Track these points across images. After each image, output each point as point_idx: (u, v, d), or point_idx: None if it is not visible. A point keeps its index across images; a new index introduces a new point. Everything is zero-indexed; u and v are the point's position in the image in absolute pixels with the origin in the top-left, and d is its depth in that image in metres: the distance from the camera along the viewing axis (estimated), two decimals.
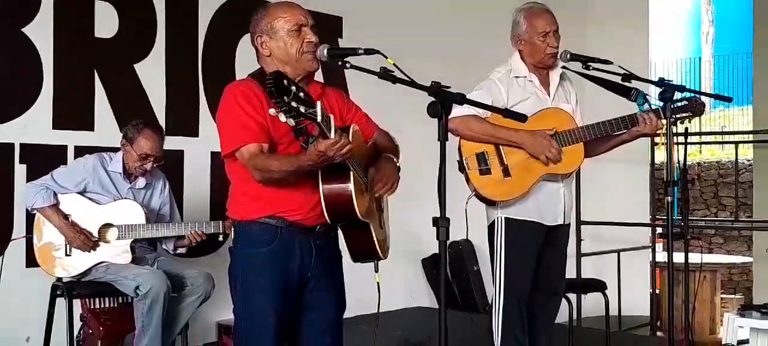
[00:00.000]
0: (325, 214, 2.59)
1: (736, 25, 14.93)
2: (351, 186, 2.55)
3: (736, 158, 8.76)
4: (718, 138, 11.56)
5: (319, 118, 2.27)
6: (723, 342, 5.43)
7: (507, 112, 2.76)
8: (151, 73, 5.00)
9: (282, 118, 2.19)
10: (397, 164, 2.93)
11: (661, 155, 7.70)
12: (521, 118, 2.68)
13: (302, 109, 2.21)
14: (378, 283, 2.80)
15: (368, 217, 2.68)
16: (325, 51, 2.64)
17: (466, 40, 6.60)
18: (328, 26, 5.92)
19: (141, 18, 5.00)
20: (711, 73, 17.36)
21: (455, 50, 6.49)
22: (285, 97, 2.16)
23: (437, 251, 7.16)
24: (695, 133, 10.19)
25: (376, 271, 2.83)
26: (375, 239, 2.72)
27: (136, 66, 4.96)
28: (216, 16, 5.30)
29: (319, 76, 5.19)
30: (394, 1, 6.42)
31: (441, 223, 2.34)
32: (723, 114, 15.42)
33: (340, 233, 2.80)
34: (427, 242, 5.70)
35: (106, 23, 4.83)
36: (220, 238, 4.22)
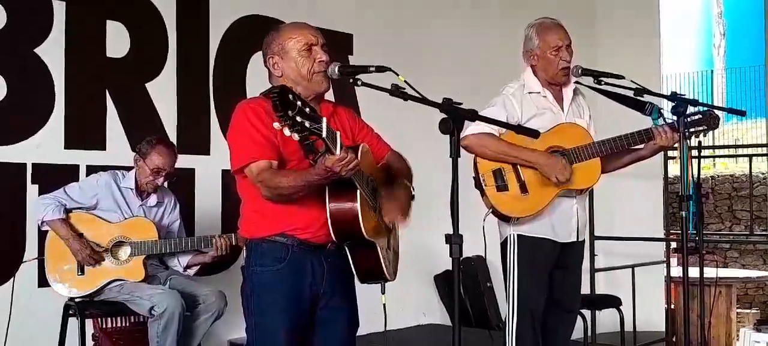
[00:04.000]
0: (331, 232, 2.58)
1: (748, 38, 14.87)
2: (357, 205, 2.54)
3: (750, 171, 8.70)
4: (732, 151, 11.48)
5: (324, 133, 2.26)
6: None
7: (519, 129, 2.75)
8: (163, 92, 5.00)
9: (286, 132, 2.19)
10: (412, 192, 2.92)
11: (674, 169, 7.68)
12: (534, 134, 2.66)
13: (307, 123, 2.20)
14: (384, 305, 2.78)
15: (375, 236, 2.67)
16: (337, 69, 2.64)
17: (479, 56, 6.58)
18: (338, 44, 5.92)
19: (152, 37, 5.01)
20: (723, 86, 17.28)
21: (467, 66, 6.49)
22: (289, 112, 2.15)
23: (450, 268, 7.14)
24: (708, 147, 10.14)
25: (383, 292, 2.81)
26: (382, 259, 2.70)
27: (148, 85, 4.96)
28: (227, 34, 5.31)
29: (330, 95, 5.22)
30: (405, 18, 6.42)
31: (454, 240, 2.32)
32: (736, 127, 15.32)
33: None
34: (440, 259, 5.68)
35: (117, 43, 4.84)
36: (233, 243, 4.20)
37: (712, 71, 17.19)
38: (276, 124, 2.21)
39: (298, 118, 2.18)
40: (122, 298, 4.06)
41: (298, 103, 2.19)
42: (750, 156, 8.96)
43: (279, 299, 2.67)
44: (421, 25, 6.51)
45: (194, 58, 5.18)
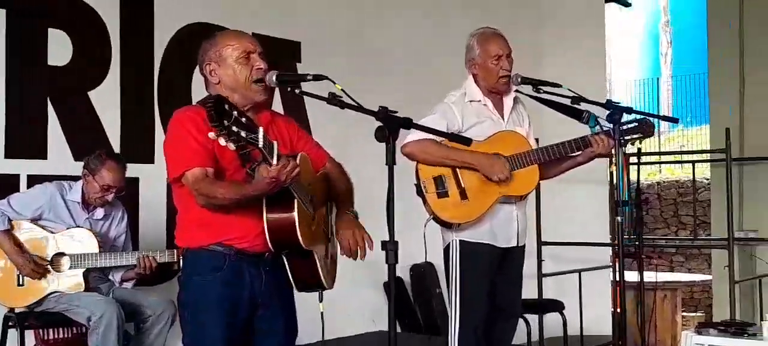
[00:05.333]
0: (269, 241, 2.58)
1: (694, 46, 15.19)
2: (295, 214, 2.54)
3: (694, 177, 8.89)
4: (677, 157, 11.72)
5: (260, 143, 2.26)
6: None
7: (452, 137, 2.79)
8: (106, 100, 4.94)
9: (222, 142, 2.19)
10: (354, 212, 2.91)
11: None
12: (465, 141, 2.71)
13: (243, 133, 2.20)
14: (322, 313, 2.78)
15: (313, 245, 2.67)
16: (275, 77, 2.65)
17: (425, 63, 6.63)
18: (286, 52, 5.92)
19: (95, 45, 4.95)
20: (670, 94, 17.62)
21: (414, 73, 6.53)
22: (225, 122, 2.16)
23: (399, 275, 7.18)
24: (649, 153, 10.32)
25: (321, 300, 2.81)
26: (319, 267, 2.71)
27: (91, 93, 4.90)
28: (172, 42, 5.27)
29: (278, 103, 5.20)
30: (354, 25, 6.44)
31: (389, 246, 2.35)
32: (682, 134, 15.66)
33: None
34: (386, 266, 5.70)
35: (59, 50, 4.78)
36: (176, 266, 4.17)
37: (657, 79, 17.52)
38: (211, 135, 2.21)
39: (234, 128, 2.19)
40: (61, 308, 4.01)
41: (234, 113, 2.20)
42: (693, 162, 9.15)
43: (216, 308, 2.66)
44: (369, 32, 6.54)
45: (138, 66, 5.14)
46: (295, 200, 2.55)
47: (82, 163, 4.24)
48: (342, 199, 2.92)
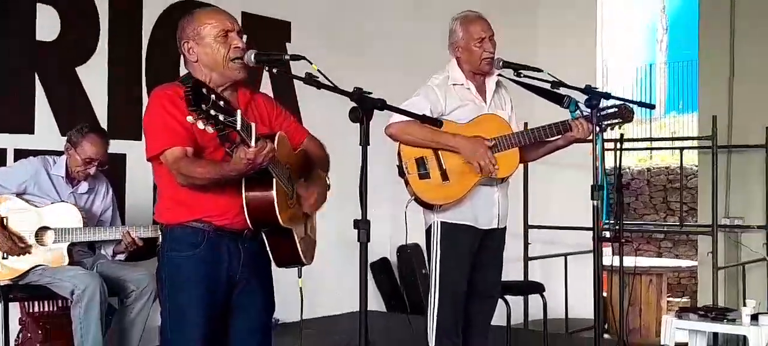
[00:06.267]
0: (248, 220, 2.61)
1: (689, 33, 15.19)
2: (273, 193, 2.57)
3: (681, 164, 8.93)
4: (659, 144, 11.76)
5: (238, 126, 2.29)
6: (661, 343, 5.53)
7: (424, 118, 2.83)
8: (94, 76, 4.98)
9: (200, 125, 2.22)
10: (328, 180, 2.97)
11: (608, 160, 7.86)
12: (436, 123, 2.74)
13: (221, 117, 2.23)
14: (301, 288, 2.83)
15: (291, 223, 2.71)
16: (253, 56, 2.66)
17: (419, 44, 6.64)
18: (276, 31, 5.94)
19: (83, 21, 4.98)
20: (665, 80, 17.61)
21: (406, 53, 6.56)
22: (203, 105, 2.18)
23: (386, 256, 7.24)
24: (636, 139, 10.34)
25: (300, 276, 2.85)
26: (298, 245, 2.75)
27: (78, 69, 4.94)
28: (160, 19, 5.30)
29: (266, 82, 5.20)
30: (344, 7, 6.45)
31: (361, 225, 2.39)
32: (675, 120, 15.67)
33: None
34: (375, 246, 5.75)
35: (47, 26, 4.81)
36: (159, 242, 4.20)
37: (651, 65, 17.53)
38: (189, 118, 2.24)
39: (212, 112, 2.22)
40: (45, 281, 4.04)
41: (212, 96, 2.22)
42: (681, 149, 9.19)
43: (194, 284, 2.68)
44: (360, 12, 6.56)
45: (126, 43, 5.16)
46: (274, 179, 2.58)
47: None
48: (317, 165, 2.96)
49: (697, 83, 8.82)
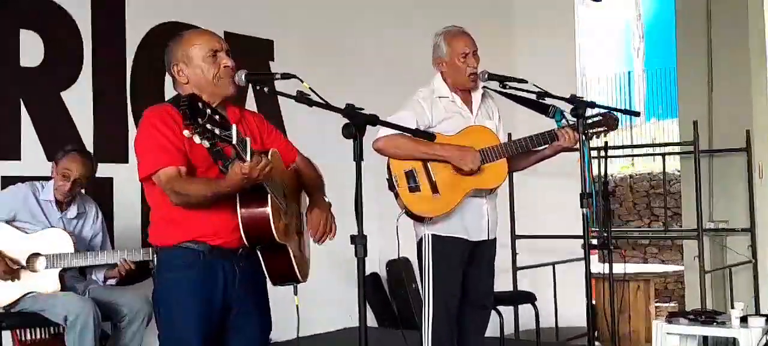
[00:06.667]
0: (243, 236, 2.62)
1: (664, 41, 15.36)
2: (269, 210, 2.58)
3: (664, 169, 9.03)
4: (642, 150, 11.88)
5: (234, 140, 2.31)
6: None
7: (417, 132, 2.85)
8: (79, 100, 4.96)
9: (197, 139, 2.23)
10: (327, 201, 2.97)
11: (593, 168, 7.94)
12: (429, 137, 2.77)
13: (217, 130, 2.25)
14: (297, 306, 2.83)
15: (286, 239, 2.72)
16: (244, 76, 2.69)
17: (400, 60, 6.68)
18: (259, 50, 5.96)
19: (67, 45, 4.97)
20: (643, 88, 17.78)
21: (388, 69, 6.59)
22: (199, 119, 2.20)
23: (375, 270, 7.23)
24: (619, 147, 10.45)
25: (295, 294, 2.85)
26: (293, 261, 2.75)
27: (63, 94, 4.92)
28: (143, 41, 5.29)
29: (251, 100, 5.22)
30: (326, 24, 6.48)
31: (358, 241, 2.40)
32: (656, 126, 15.82)
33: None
34: (367, 262, 5.76)
35: (31, 52, 4.79)
36: (152, 264, 4.19)
37: (629, 73, 17.69)
38: (186, 133, 2.25)
39: (208, 126, 2.23)
40: (37, 308, 4.03)
41: (208, 110, 2.24)
42: (663, 155, 9.28)
43: (191, 306, 2.68)
44: (342, 29, 6.59)
45: (110, 66, 5.15)
46: (269, 195, 2.59)
47: None
48: (314, 188, 2.97)
49: (675, 90, 8.93)
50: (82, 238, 4.30)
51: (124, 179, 5.09)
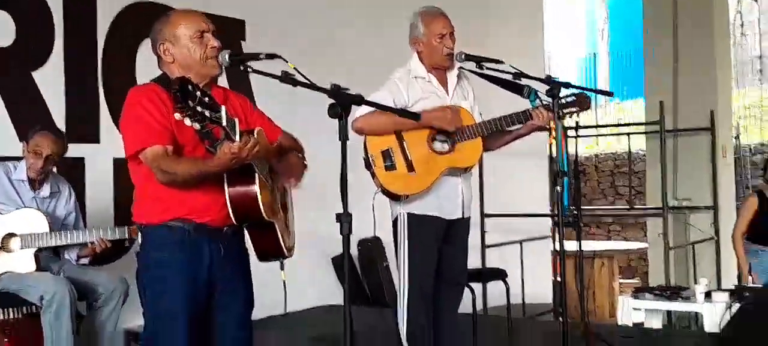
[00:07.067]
0: (231, 215, 2.65)
1: (629, 23, 15.54)
2: (256, 187, 2.62)
3: (629, 149, 9.19)
4: (609, 130, 12.06)
5: (223, 122, 2.34)
6: (618, 323, 5.71)
7: (402, 112, 2.89)
8: (50, 80, 4.92)
9: (187, 122, 2.26)
10: (304, 159, 3.03)
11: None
12: (415, 117, 2.81)
13: (207, 113, 2.28)
14: (284, 281, 2.86)
15: (273, 217, 2.75)
16: (227, 56, 2.71)
17: (373, 42, 6.70)
18: (231, 30, 5.93)
19: (38, 25, 4.92)
20: (607, 69, 17.99)
21: (361, 51, 6.61)
22: (190, 102, 2.23)
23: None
24: (587, 127, 10.61)
25: (282, 269, 2.89)
26: (280, 238, 2.79)
27: (34, 74, 4.87)
28: (115, 21, 5.25)
29: (223, 82, 5.23)
30: (298, 4, 6.48)
31: (343, 218, 2.44)
32: (619, 107, 16.04)
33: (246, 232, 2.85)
34: (337, 241, 5.77)
35: (2, 31, 4.74)
36: (127, 243, 4.21)
37: (595, 55, 17.89)
38: (177, 115, 2.27)
39: (199, 109, 2.26)
40: (13, 288, 4.01)
41: (198, 93, 2.27)
42: (628, 134, 9.43)
43: (176, 283, 2.70)
44: (314, 10, 6.59)
45: (82, 46, 5.11)
46: (256, 174, 2.62)
47: None
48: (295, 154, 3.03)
49: (640, 71, 9.07)
50: (56, 217, 4.28)
51: (96, 158, 5.07)
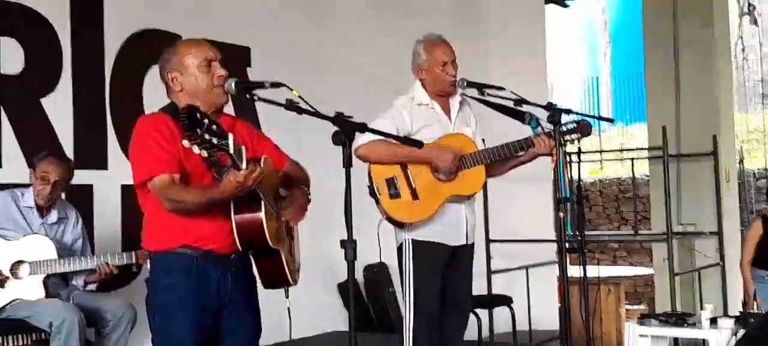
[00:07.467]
0: (238, 242, 2.69)
1: (631, 46, 15.61)
2: (262, 215, 2.66)
3: (633, 174, 9.19)
4: (613, 155, 12.08)
5: (230, 149, 2.38)
6: None
7: (405, 140, 2.94)
8: (59, 107, 4.98)
9: (195, 149, 2.30)
10: (309, 195, 3.06)
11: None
12: (418, 144, 2.86)
13: (215, 140, 2.32)
14: (289, 308, 2.90)
15: (279, 244, 2.79)
16: (233, 84, 2.75)
17: (376, 66, 6.75)
18: (236, 57, 6.00)
19: (46, 52, 4.98)
20: (610, 93, 18.03)
21: (364, 76, 6.66)
22: (198, 130, 2.27)
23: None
24: (590, 152, 10.63)
25: (287, 296, 2.93)
26: (285, 265, 2.83)
27: (43, 101, 4.93)
28: (123, 48, 5.31)
29: (229, 109, 5.29)
30: (303, 31, 6.54)
31: (348, 245, 2.47)
32: (623, 131, 16.05)
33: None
34: (343, 267, 5.80)
35: (11, 59, 4.81)
36: (134, 269, 4.24)
37: (597, 79, 17.93)
38: (185, 143, 2.32)
39: (207, 136, 2.31)
40: (22, 315, 4.04)
41: (205, 121, 2.32)
42: (632, 159, 9.44)
43: (185, 310, 2.74)
44: (319, 36, 6.65)
45: (90, 73, 5.17)
46: (262, 201, 2.66)
47: None
48: (300, 183, 3.07)
49: (643, 95, 9.08)
50: (63, 243, 4.32)
51: (104, 185, 5.11)
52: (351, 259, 2.46)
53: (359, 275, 6.80)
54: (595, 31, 19.62)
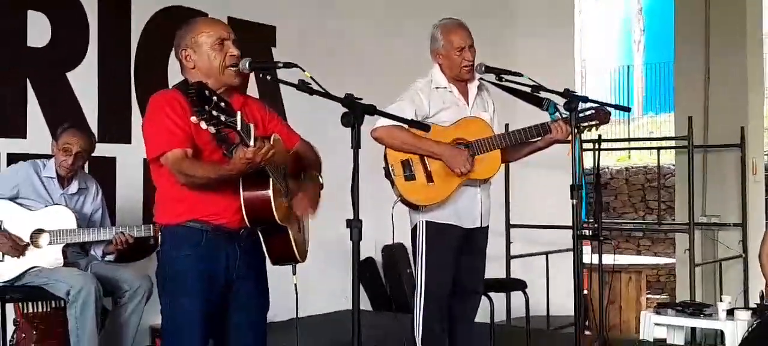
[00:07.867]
0: (245, 218, 2.73)
1: (666, 34, 15.42)
2: (270, 192, 2.70)
3: (659, 163, 9.11)
4: (637, 144, 11.96)
5: (238, 126, 2.42)
6: (640, 338, 5.68)
7: (412, 123, 2.97)
8: (84, 81, 5.06)
9: (203, 125, 2.35)
10: (320, 181, 3.09)
11: (588, 161, 8.05)
12: (425, 128, 2.88)
13: (222, 117, 2.36)
14: (296, 285, 2.93)
15: (286, 221, 2.83)
16: (247, 64, 2.79)
17: (400, 47, 6.76)
18: (262, 36, 6.04)
19: (73, 27, 5.06)
20: (642, 81, 17.85)
21: (388, 57, 6.68)
22: (206, 106, 2.31)
23: (370, 255, 7.32)
24: (615, 140, 10.52)
25: (294, 273, 2.97)
26: (293, 242, 2.87)
27: (69, 74, 5.01)
28: (148, 24, 5.38)
29: (253, 88, 5.34)
30: (329, 11, 6.56)
31: (353, 224, 2.50)
32: (652, 120, 15.91)
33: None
34: (361, 246, 5.85)
35: (38, 32, 4.88)
36: (151, 241, 4.30)
37: (629, 67, 17.75)
38: (193, 119, 2.37)
39: (214, 113, 2.35)
40: (40, 282, 4.11)
41: (214, 98, 2.36)
42: (658, 149, 9.36)
43: (194, 283, 2.79)
44: (344, 16, 6.67)
45: (116, 48, 5.25)
46: (271, 179, 2.70)
47: None
48: (311, 168, 3.10)
49: (673, 84, 8.99)
50: (83, 213, 4.39)
51: (127, 158, 5.19)
52: (356, 239, 2.49)
53: (378, 255, 6.85)
54: (630, 19, 19.40)
